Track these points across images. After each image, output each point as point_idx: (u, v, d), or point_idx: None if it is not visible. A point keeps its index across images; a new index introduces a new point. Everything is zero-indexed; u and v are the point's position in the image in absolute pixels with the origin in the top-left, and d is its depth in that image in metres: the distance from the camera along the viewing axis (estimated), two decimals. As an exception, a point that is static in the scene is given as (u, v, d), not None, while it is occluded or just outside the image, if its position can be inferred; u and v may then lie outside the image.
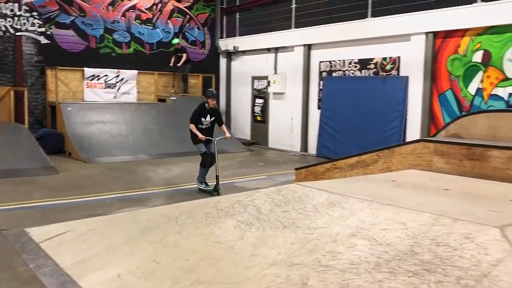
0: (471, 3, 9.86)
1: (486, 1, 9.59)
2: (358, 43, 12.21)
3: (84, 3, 14.27)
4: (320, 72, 13.50)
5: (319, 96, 13.55)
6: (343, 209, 4.12)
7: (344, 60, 12.76)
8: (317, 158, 12.25)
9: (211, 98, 8.51)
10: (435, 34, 10.51)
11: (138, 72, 14.91)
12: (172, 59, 15.00)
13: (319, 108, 13.48)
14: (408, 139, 10.59)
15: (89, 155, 11.66)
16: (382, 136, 11.29)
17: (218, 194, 7.90)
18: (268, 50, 15.18)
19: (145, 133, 13.31)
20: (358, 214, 3.96)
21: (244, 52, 16.30)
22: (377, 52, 11.85)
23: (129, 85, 14.72)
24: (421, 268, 3.04)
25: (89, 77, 14.01)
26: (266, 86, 15.34)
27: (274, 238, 3.82)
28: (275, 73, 14.98)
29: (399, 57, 11.35)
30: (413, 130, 10.93)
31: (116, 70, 14.44)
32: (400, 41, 11.19)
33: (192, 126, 8.37)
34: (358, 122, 12.06)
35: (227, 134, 8.71)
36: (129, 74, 14.73)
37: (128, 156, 12.09)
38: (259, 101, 15.82)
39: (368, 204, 4.11)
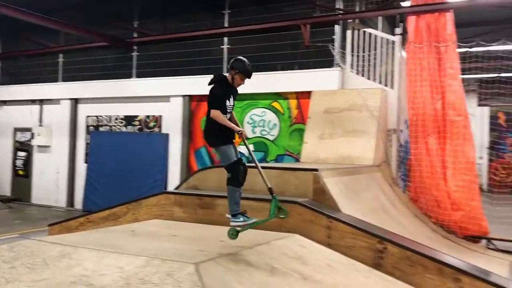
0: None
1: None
2: (124, 101, 12.82)
3: None
4: (88, 126, 13.59)
5: (86, 150, 13.55)
6: (71, 259, 4.43)
7: (110, 116, 13.17)
8: (83, 213, 12.07)
9: (243, 73, 5.10)
10: (191, 97, 11.88)
11: None
12: None
13: (86, 162, 13.45)
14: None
15: None
16: (146, 188, 11.86)
17: (286, 215, 5.23)
18: (33, 101, 14.59)
19: None
20: (83, 263, 4.32)
21: (5, 102, 15.26)
22: (141, 110, 12.64)
23: None
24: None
25: None
26: (30, 139, 14.59)
27: (-7, 295, 3.89)
28: (40, 125, 14.42)
29: (161, 116, 12.34)
30: (174, 182, 11.82)
31: None
32: (162, 102, 12.23)
33: (219, 114, 5.06)
34: (124, 176, 12.46)
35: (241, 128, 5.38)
36: None
37: None
38: (21, 154, 14.89)
39: (96, 253, 4.51)
